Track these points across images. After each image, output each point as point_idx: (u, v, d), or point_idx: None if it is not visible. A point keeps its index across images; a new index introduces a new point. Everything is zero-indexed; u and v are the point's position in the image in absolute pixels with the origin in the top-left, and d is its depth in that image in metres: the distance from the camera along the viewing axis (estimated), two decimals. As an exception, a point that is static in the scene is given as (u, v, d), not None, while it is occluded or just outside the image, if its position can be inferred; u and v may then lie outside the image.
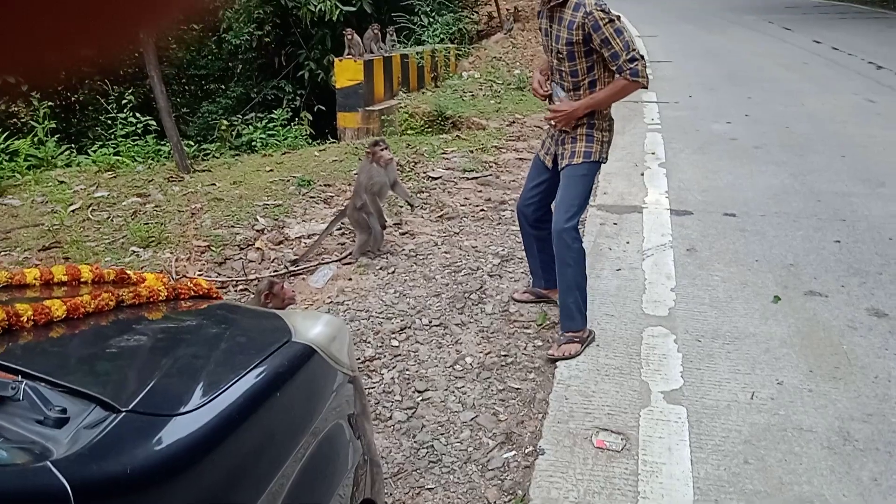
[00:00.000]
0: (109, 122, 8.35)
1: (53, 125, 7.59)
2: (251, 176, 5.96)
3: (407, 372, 3.31)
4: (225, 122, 9.77)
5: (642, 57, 3.16)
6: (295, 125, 9.39)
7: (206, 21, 13.89)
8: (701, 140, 7.00)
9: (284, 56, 13.25)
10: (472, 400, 3.10)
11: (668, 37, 14.39)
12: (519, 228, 3.77)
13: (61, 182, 5.83)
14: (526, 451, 2.77)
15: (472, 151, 6.67)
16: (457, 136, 7.52)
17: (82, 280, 1.72)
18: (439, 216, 5.19)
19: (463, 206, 5.40)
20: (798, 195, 5.42)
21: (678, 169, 6.07)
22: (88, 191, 5.58)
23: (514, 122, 8.05)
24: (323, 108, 11.31)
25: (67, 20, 0.36)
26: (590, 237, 4.61)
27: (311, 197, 5.52)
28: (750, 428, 2.81)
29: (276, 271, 4.36)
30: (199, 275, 4.27)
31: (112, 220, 5.04)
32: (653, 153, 6.51)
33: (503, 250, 4.55)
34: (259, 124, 9.41)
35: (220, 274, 4.36)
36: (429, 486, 2.62)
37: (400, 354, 3.46)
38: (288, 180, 5.80)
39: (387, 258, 4.49)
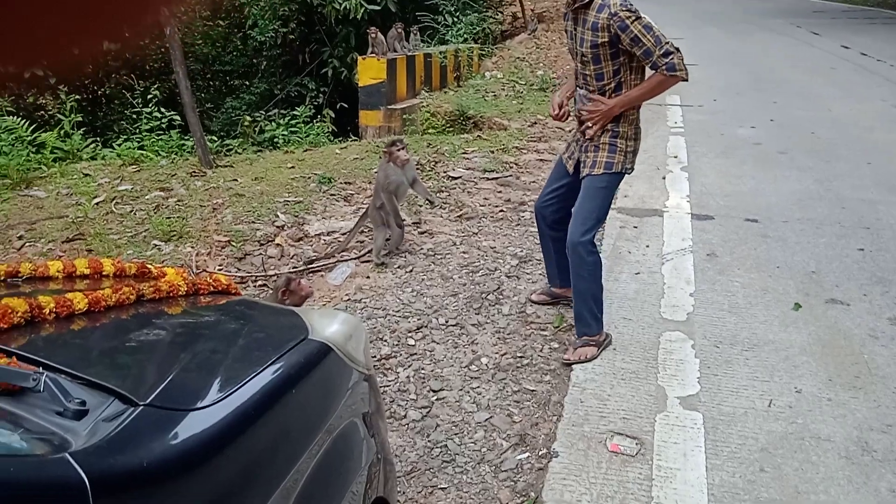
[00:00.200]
0: (134, 116, 8.44)
1: (80, 118, 7.67)
2: (273, 172, 5.99)
3: (422, 371, 3.32)
4: (248, 118, 9.85)
5: (678, 49, 2.98)
6: (317, 122, 9.42)
7: (231, 17, 14.03)
8: (724, 144, 6.93)
9: (308, 53, 13.31)
10: (487, 400, 3.10)
11: (695, 40, 14.23)
12: (536, 229, 3.76)
13: (86, 175, 5.90)
14: (540, 454, 2.77)
15: (492, 152, 6.66)
16: (478, 136, 7.51)
17: (104, 273, 1.74)
18: (458, 216, 5.19)
19: (482, 206, 5.39)
20: (822, 202, 5.35)
21: (700, 173, 6.02)
22: (112, 184, 5.65)
23: (535, 122, 8.01)
24: (345, 105, 11.34)
25: (91, 9, 0.37)
26: (609, 240, 4.59)
27: (332, 194, 5.55)
28: (767, 436, 2.78)
29: (294, 268, 4.39)
30: (219, 269, 4.31)
31: (135, 214, 5.10)
32: (675, 157, 6.46)
33: (521, 251, 4.54)
34: (282, 121, 9.45)
35: (239, 269, 4.40)
36: (442, 486, 2.63)
37: (416, 353, 3.47)
38: (309, 177, 5.82)
39: (405, 257, 4.51)
